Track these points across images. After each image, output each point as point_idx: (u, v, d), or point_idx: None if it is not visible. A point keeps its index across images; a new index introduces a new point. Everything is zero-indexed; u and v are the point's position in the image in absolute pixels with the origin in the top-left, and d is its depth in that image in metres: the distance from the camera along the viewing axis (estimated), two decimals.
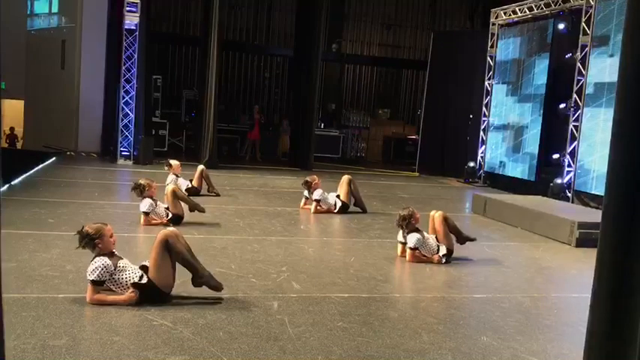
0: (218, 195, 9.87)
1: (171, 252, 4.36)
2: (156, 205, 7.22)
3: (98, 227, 4.32)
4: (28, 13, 17.01)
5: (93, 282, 4.19)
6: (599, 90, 10.76)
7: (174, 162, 9.66)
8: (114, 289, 4.29)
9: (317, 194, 8.85)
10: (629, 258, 2.13)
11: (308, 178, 9.07)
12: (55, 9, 16.47)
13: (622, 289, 2.15)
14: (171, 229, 4.69)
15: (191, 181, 9.81)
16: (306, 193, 9.12)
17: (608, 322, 2.19)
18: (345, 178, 9.22)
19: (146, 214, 7.13)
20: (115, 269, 4.25)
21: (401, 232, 6.33)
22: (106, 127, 15.11)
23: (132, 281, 4.29)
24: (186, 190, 9.27)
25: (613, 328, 2.17)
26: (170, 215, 7.26)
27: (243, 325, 4.03)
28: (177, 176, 9.52)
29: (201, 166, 10.20)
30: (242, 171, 13.95)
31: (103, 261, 4.21)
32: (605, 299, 2.21)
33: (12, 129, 18.76)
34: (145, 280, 4.32)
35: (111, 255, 4.31)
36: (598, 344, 2.24)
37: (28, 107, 17.15)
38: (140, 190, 7.16)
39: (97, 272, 4.18)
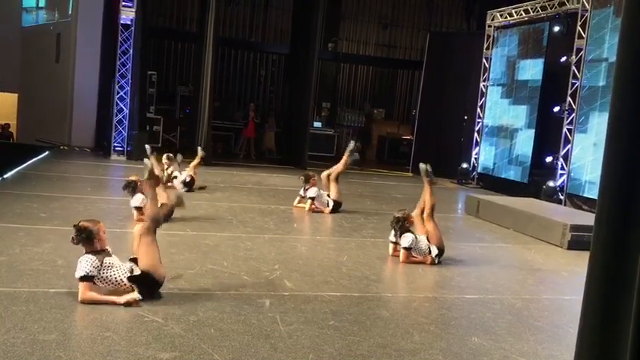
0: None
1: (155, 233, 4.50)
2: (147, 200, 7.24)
3: (95, 224, 4.31)
4: (22, 6, 16.96)
5: (83, 278, 4.14)
6: (594, 93, 10.81)
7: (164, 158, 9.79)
8: (101, 285, 4.26)
9: (312, 192, 8.85)
10: (621, 261, 2.13)
11: (310, 172, 9.09)
12: (42, 3, 16.41)
13: (613, 291, 2.16)
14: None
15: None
16: (301, 191, 9.11)
17: (599, 325, 2.20)
18: (324, 175, 9.22)
19: (138, 209, 7.10)
20: (101, 265, 4.21)
21: (393, 231, 6.34)
22: (100, 122, 15.07)
23: (122, 277, 4.26)
24: (186, 182, 9.63)
25: (604, 330, 2.18)
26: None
27: (234, 323, 4.03)
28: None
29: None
30: (236, 168, 13.93)
31: (88, 258, 4.18)
32: (597, 302, 2.22)
33: (7, 125, 18.50)
34: (137, 271, 4.30)
35: (101, 251, 4.28)
36: (589, 346, 2.24)
37: (22, 101, 17.06)
38: (132, 188, 7.15)
39: (85, 269, 4.14)
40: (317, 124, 18.67)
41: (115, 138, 13.77)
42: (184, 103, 17.94)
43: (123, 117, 13.75)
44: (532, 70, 13.05)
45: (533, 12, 13.04)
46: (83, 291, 4.14)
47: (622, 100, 2.18)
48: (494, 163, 14.20)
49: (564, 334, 4.42)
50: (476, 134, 14.95)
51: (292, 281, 5.17)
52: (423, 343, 3.99)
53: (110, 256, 4.35)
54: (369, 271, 5.74)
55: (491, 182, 14.06)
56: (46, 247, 5.53)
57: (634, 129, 2.12)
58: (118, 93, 13.65)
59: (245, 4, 20.24)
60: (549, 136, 12.64)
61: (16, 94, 17.30)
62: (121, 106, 13.71)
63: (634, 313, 2.04)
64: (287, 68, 19.53)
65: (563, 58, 12.21)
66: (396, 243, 6.31)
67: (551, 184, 11.59)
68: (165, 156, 9.98)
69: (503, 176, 13.76)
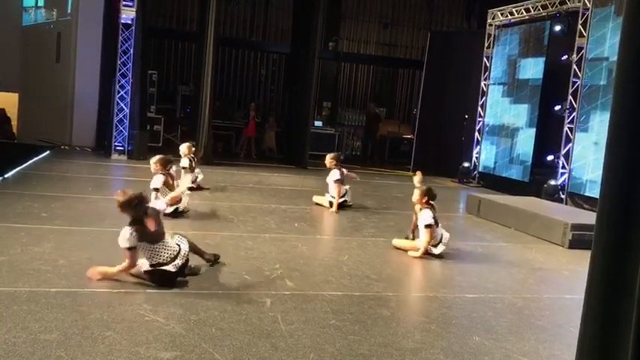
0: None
1: None
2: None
3: (123, 194, 5.01)
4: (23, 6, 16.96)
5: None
6: (595, 92, 10.80)
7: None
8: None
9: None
10: (622, 261, 2.13)
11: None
12: (40, 2, 16.41)
13: (614, 291, 2.16)
14: None
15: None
16: (338, 175, 9.07)
17: (599, 330, 2.19)
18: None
19: (156, 190, 7.25)
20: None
21: (430, 212, 6.39)
22: (101, 122, 15.06)
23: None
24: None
25: (604, 335, 2.18)
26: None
27: (235, 322, 4.03)
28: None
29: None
30: (237, 168, 13.93)
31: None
32: (597, 306, 2.22)
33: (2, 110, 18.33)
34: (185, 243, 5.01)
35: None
36: (590, 351, 2.24)
37: (23, 100, 17.05)
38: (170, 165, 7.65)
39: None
40: (318, 124, 18.64)
41: (115, 137, 13.76)
42: (185, 103, 17.94)
43: (123, 116, 13.74)
44: (533, 68, 13.04)
45: (534, 11, 13.02)
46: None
47: (623, 99, 2.18)
48: (495, 162, 14.19)
49: (565, 333, 4.42)
50: (477, 133, 14.93)
51: (293, 280, 5.17)
52: (424, 342, 3.99)
53: None
54: (370, 271, 5.74)
55: (492, 181, 14.04)
56: (47, 246, 5.54)
57: (635, 129, 2.12)
58: (119, 92, 13.64)
59: (245, 4, 20.22)
60: (550, 135, 12.62)
61: (17, 94, 17.27)
62: (122, 105, 13.70)
63: (634, 318, 2.04)
64: (287, 68, 19.53)
65: (564, 57, 12.18)
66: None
67: (552, 182, 11.58)
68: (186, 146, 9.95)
69: (504, 175, 13.75)
